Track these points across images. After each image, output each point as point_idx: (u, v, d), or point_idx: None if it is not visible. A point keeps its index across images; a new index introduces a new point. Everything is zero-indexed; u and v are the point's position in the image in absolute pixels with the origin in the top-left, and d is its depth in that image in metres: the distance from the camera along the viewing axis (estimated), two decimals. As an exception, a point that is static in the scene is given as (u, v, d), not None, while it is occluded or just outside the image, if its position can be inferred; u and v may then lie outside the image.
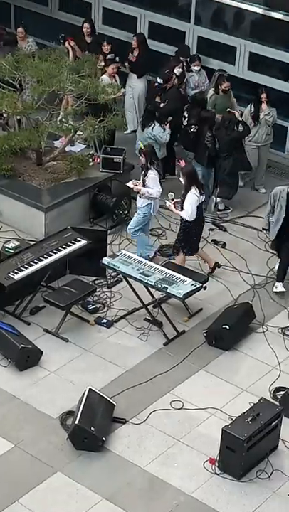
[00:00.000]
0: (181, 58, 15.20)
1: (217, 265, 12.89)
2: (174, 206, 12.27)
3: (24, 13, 18.79)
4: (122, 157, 14.36)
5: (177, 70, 14.88)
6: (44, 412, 10.55)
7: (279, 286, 12.01)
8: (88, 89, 13.84)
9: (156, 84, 14.99)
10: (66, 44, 15.57)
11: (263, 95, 14.49)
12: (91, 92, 13.86)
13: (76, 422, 9.42)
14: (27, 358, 11.26)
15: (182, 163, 13.31)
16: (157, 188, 13.07)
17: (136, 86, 16.05)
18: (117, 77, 15.36)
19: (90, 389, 9.94)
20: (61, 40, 15.84)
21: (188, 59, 15.39)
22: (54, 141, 14.46)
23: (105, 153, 14.55)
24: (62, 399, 10.69)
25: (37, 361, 11.21)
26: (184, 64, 15.28)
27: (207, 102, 14.96)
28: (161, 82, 14.89)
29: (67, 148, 14.26)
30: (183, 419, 10.58)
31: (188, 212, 12.69)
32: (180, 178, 13.09)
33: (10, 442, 10.25)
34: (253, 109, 14.61)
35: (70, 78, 13.93)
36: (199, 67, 15.40)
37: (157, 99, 15.23)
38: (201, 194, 12.35)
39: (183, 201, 12.72)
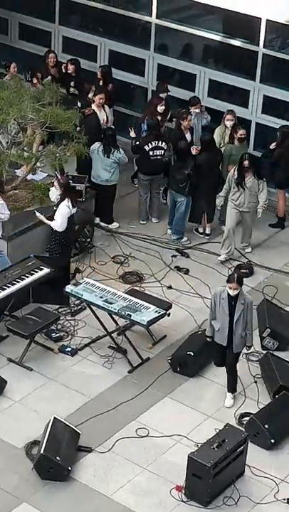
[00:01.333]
0: (161, 95, 15.08)
1: (78, 271, 13.08)
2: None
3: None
4: (83, 185, 14.38)
5: (160, 108, 14.88)
6: (9, 441, 10.44)
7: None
8: (49, 118, 13.89)
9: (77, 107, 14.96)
10: (34, 80, 15.42)
11: (245, 162, 13.75)
12: (52, 121, 13.92)
13: (41, 452, 9.36)
14: (-10, 388, 11.10)
15: None
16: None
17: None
18: (106, 108, 15.08)
19: (54, 418, 9.88)
20: (29, 78, 15.69)
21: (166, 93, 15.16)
22: (16, 170, 14.25)
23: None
24: (27, 428, 10.59)
25: (1, 391, 11.08)
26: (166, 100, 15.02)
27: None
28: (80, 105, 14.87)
29: (29, 177, 14.12)
30: (149, 447, 10.53)
31: (58, 223, 12.96)
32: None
33: None
34: (236, 174, 13.79)
35: (31, 107, 14.02)
36: (199, 110, 15.00)
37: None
38: (73, 206, 12.65)
39: (55, 211, 13.07)
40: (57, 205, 13.30)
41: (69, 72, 15.81)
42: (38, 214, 13.13)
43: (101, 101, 14.89)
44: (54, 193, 13.67)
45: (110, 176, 15.00)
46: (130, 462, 10.10)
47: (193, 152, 14.04)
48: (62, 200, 13.14)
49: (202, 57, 16.14)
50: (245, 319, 10.60)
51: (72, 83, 15.87)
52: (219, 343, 10.93)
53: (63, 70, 15.93)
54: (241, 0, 14.94)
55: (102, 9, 16.36)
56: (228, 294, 10.51)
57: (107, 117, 15.03)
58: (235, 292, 10.48)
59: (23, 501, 9.00)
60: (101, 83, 15.54)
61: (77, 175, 15.04)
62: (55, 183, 13.29)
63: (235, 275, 10.91)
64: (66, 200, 13.10)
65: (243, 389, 11.16)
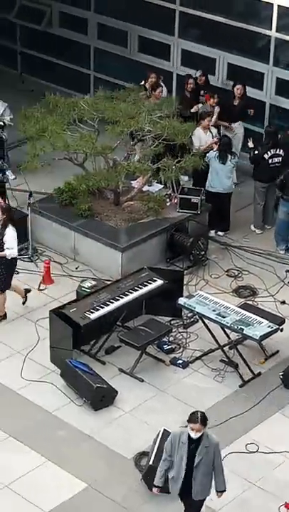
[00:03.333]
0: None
1: (28, 291, 13.26)
2: None
3: (104, 54, 19.38)
4: (199, 197, 14.61)
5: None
6: (118, 452, 10.67)
7: None
8: (166, 130, 14.29)
9: None
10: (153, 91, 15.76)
11: None
12: (169, 133, 14.32)
13: (150, 463, 9.48)
14: (102, 398, 11.38)
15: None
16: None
17: (237, 131, 16.29)
18: (213, 130, 15.56)
19: (164, 430, 10.00)
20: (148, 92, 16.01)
21: None
22: (131, 181, 14.71)
23: (183, 194, 14.87)
24: (137, 439, 10.80)
25: (112, 401, 11.32)
26: None
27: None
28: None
29: (144, 188, 14.54)
30: (258, 463, 10.57)
31: (15, 249, 12.85)
32: None
33: (84, 482, 10.36)
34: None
35: (148, 119, 14.43)
36: None
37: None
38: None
39: (1, 239, 12.91)
40: (1, 234, 13.05)
41: (199, 83, 16.23)
42: None
43: (208, 124, 15.35)
44: None
45: (230, 183, 15.33)
46: (238, 477, 10.15)
47: None
48: (6, 226, 13.01)
49: None
50: (212, 464, 9.03)
51: (201, 92, 16.22)
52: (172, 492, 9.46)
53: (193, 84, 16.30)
54: None
55: (221, 22, 16.65)
56: (189, 436, 8.96)
57: (213, 136, 15.47)
58: (198, 434, 8.92)
59: (131, 512, 9.09)
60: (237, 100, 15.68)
61: (193, 187, 15.42)
62: None
63: (199, 414, 9.11)
64: (10, 224, 13.11)
65: None
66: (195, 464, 8.77)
